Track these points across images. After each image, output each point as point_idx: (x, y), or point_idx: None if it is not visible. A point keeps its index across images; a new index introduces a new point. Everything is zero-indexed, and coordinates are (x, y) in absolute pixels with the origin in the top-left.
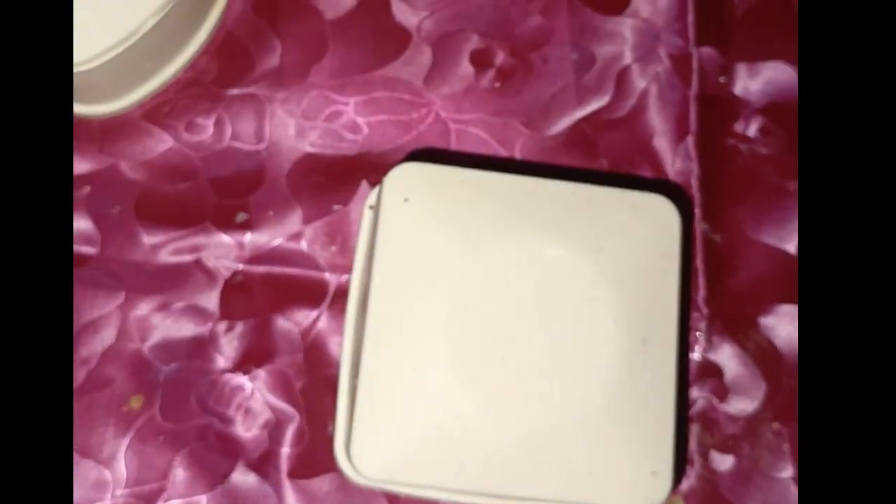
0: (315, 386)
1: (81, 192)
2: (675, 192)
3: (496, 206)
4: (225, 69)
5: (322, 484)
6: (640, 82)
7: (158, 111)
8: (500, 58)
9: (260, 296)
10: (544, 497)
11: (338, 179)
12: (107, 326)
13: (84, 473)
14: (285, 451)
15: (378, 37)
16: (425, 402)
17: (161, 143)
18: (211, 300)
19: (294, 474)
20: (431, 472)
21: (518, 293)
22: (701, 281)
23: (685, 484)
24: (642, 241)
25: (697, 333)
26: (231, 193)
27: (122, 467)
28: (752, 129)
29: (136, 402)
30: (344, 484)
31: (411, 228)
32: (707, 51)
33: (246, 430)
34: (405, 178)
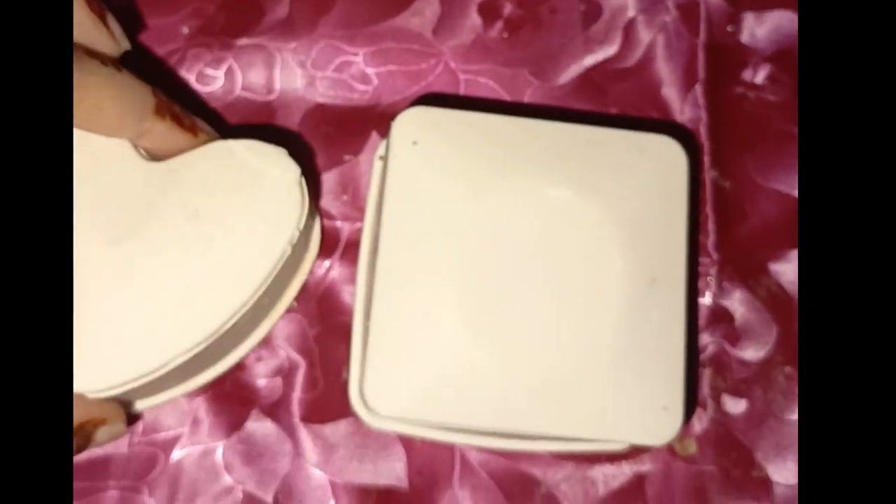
0: (329, 333)
1: None
2: (684, 136)
3: (503, 148)
4: (233, 19)
5: (337, 429)
6: (647, 32)
7: (168, 61)
8: (508, 9)
9: None
10: (558, 434)
11: (348, 130)
12: None
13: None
14: (299, 397)
15: None
16: (436, 344)
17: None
18: None
19: (309, 419)
20: (444, 410)
21: (525, 235)
22: (711, 227)
23: (698, 427)
24: (650, 182)
25: (708, 279)
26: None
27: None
28: (760, 77)
29: None
30: (359, 428)
31: (419, 171)
32: (714, 0)
33: (261, 377)
34: (413, 122)
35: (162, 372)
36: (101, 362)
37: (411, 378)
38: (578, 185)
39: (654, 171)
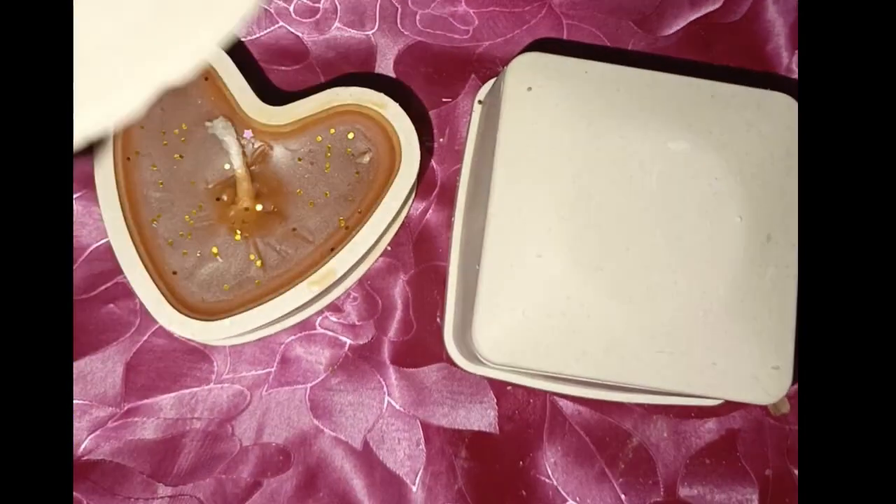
0: (423, 278)
1: None
2: (791, 92)
3: (620, 98)
4: None
5: (429, 373)
6: None
7: None
8: None
9: None
10: (665, 388)
11: (447, 71)
12: None
13: (197, 361)
14: (392, 340)
15: None
16: (548, 288)
17: (272, 25)
18: None
19: (401, 363)
20: (553, 357)
21: (642, 185)
22: None
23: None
24: (766, 139)
25: None
26: (339, 80)
27: (226, 352)
28: None
29: None
30: (452, 373)
31: (534, 117)
32: None
33: (354, 320)
34: (528, 67)
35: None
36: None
37: (520, 326)
38: (695, 138)
39: (770, 128)
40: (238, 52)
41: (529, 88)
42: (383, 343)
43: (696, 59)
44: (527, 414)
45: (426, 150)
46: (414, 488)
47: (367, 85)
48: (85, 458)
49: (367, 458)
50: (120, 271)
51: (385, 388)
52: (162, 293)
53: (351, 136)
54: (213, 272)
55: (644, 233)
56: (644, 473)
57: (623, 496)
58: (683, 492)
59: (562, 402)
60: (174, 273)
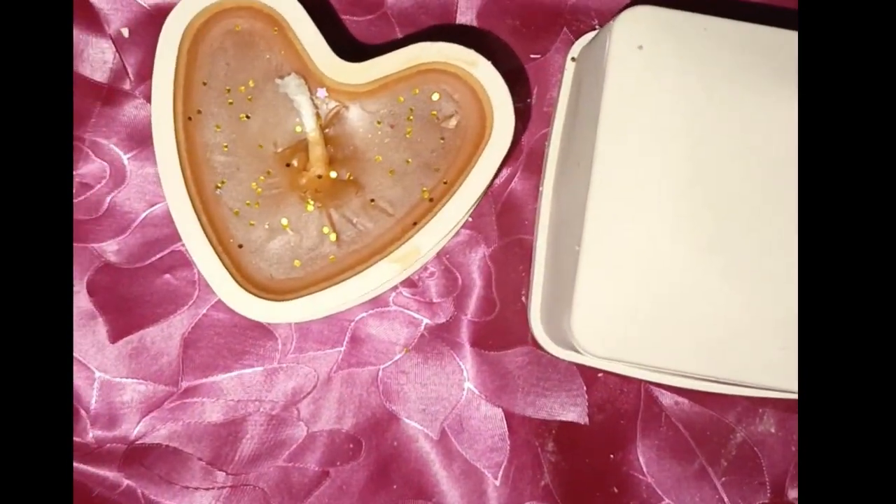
0: (507, 252)
1: None
2: None
3: (742, 57)
4: None
5: (514, 357)
6: None
7: None
8: None
9: None
10: (787, 388)
11: (536, 24)
12: None
13: (260, 338)
14: (472, 320)
15: None
16: (658, 274)
17: None
18: None
19: (482, 345)
20: (663, 351)
21: (765, 159)
22: None
23: None
24: None
25: None
26: (418, 35)
27: (291, 329)
28: None
29: None
30: (538, 357)
31: (645, 79)
32: None
33: (432, 297)
34: (638, 23)
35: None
36: None
37: (627, 316)
38: None
39: None
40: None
41: (640, 47)
42: (463, 323)
43: None
44: (619, 404)
45: (515, 113)
46: (496, 482)
47: (448, 39)
48: (139, 441)
49: (445, 447)
50: (178, 238)
51: (465, 372)
52: (226, 268)
53: (436, 97)
54: (283, 246)
55: (766, 212)
56: (749, 472)
57: (725, 497)
58: (793, 494)
59: (658, 392)
60: (240, 246)
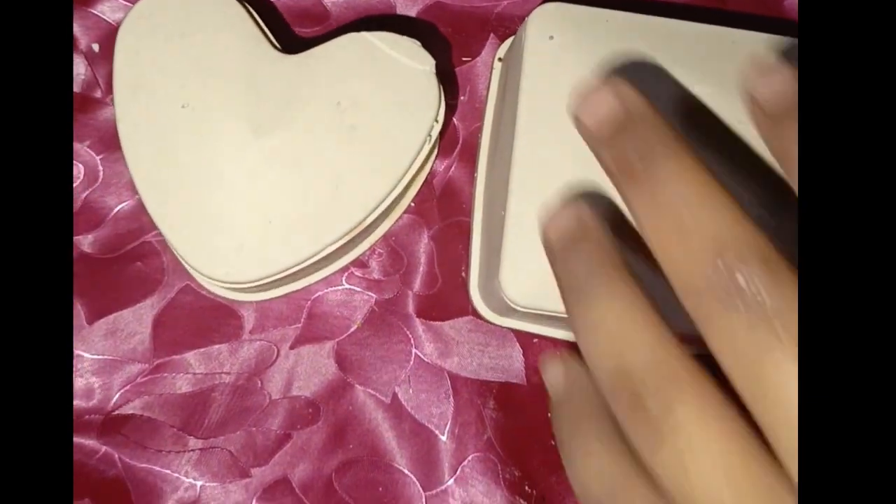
0: (447, 233)
1: None
2: None
3: (641, 47)
4: None
5: (456, 326)
6: None
7: None
8: None
9: None
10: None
11: (466, 31)
12: None
13: (224, 317)
14: (418, 294)
15: None
16: None
17: None
18: None
19: (427, 316)
20: None
21: None
22: None
23: None
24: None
25: None
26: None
27: (253, 308)
28: None
29: None
30: (478, 326)
31: (556, 66)
32: None
33: (379, 275)
34: (550, 17)
35: (307, 263)
36: (246, 254)
37: (545, 270)
38: (719, 82)
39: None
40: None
41: (551, 37)
42: (409, 297)
43: (711, 3)
44: None
45: (448, 109)
46: (443, 438)
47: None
48: (116, 412)
49: (396, 409)
50: (147, 231)
51: (412, 341)
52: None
53: None
54: None
55: None
56: None
57: None
58: None
59: None
60: None
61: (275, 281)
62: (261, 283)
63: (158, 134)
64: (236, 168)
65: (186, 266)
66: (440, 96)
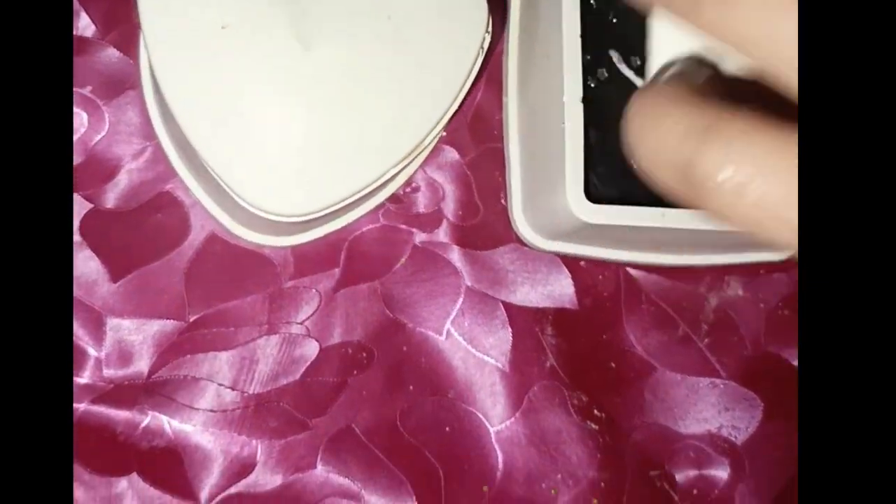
0: (482, 161)
1: None
2: None
3: None
4: None
5: (503, 254)
6: None
7: None
8: None
9: None
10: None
11: None
12: None
13: (259, 265)
14: (459, 225)
15: None
16: None
17: None
18: None
19: (472, 246)
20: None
21: None
22: None
23: None
24: None
25: None
26: None
27: (287, 253)
28: None
29: None
30: (524, 253)
31: None
32: None
33: (419, 209)
34: None
35: (368, 190)
36: (308, 182)
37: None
38: None
39: None
40: None
41: None
42: (450, 229)
43: None
44: (602, 287)
45: None
46: (506, 370)
47: None
48: (156, 375)
49: (452, 345)
50: (165, 179)
51: (461, 273)
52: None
53: None
54: None
55: None
56: (727, 332)
57: (711, 356)
58: (768, 346)
59: (634, 273)
60: None
61: (320, 217)
62: (315, 216)
63: (196, 61)
64: (288, 89)
65: (236, 198)
66: (487, 6)
